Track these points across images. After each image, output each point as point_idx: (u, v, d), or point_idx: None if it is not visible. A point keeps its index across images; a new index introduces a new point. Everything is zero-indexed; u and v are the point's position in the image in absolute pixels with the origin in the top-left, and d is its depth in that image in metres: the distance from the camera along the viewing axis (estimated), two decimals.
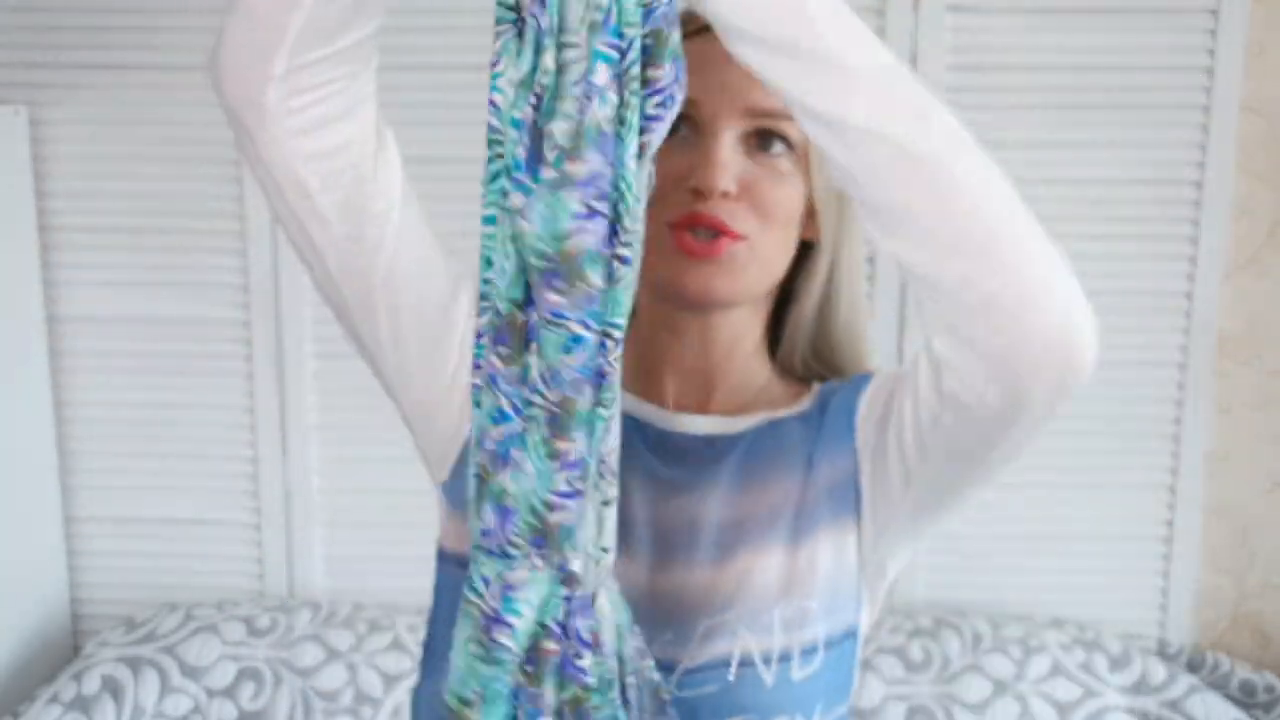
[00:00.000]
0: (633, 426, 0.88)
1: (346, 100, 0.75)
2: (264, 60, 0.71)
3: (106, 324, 2.09)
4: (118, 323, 2.09)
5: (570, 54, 0.58)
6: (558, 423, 0.63)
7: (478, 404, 0.66)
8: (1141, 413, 2.05)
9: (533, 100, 0.59)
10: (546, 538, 0.65)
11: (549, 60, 0.59)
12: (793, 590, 0.84)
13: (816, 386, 0.93)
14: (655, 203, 0.78)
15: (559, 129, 0.59)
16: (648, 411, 0.91)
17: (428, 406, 0.86)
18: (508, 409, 0.64)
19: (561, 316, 0.61)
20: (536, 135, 0.60)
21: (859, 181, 0.68)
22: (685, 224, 0.84)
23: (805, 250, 0.91)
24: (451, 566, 0.88)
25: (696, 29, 0.80)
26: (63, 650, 2.14)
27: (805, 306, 0.94)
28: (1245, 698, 1.96)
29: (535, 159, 0.60)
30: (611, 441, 0.65)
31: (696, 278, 0.85)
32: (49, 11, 2.03)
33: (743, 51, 0.66)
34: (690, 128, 0.85)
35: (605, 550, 0.67)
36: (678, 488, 0.88)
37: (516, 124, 0.60)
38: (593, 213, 0.59)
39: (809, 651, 0.83)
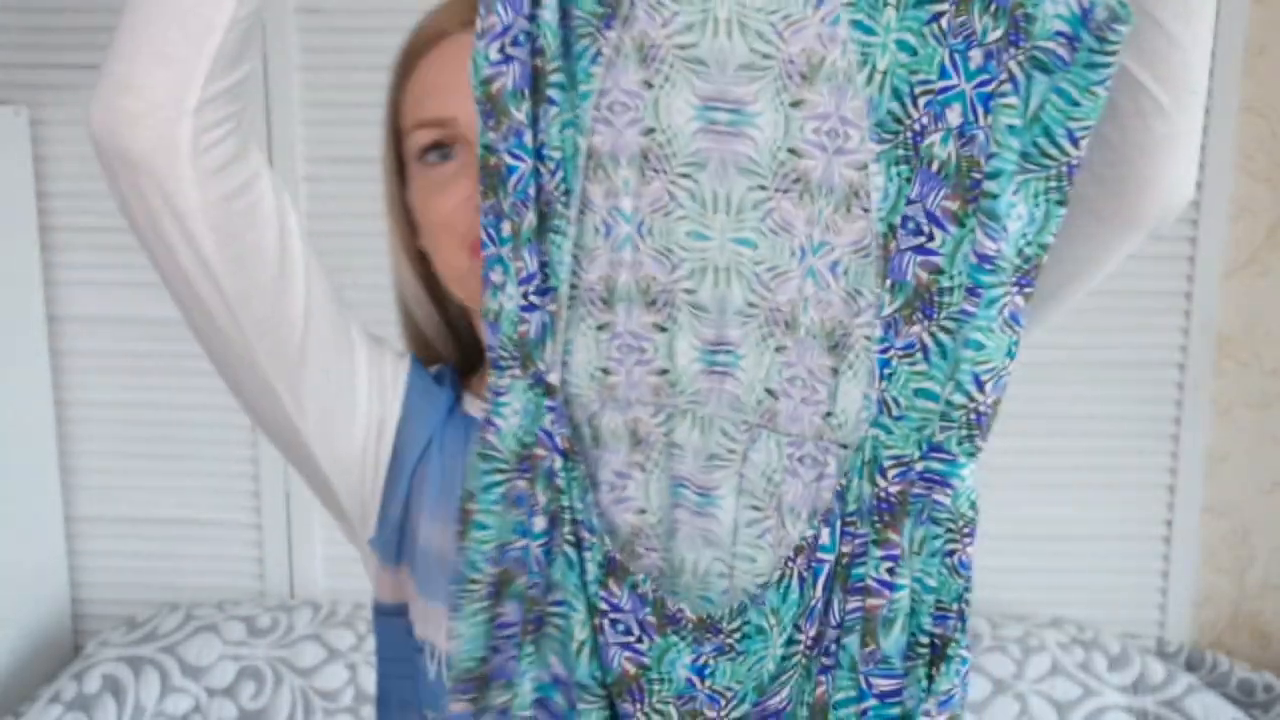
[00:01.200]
0: None
1: (241, 140, 0.74)
2: (178, 95, 0.71)
3: (106, 324, 2.10)
4: (118, 323, 2.09)
5: None
6: (514, 245, 0.71)
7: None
8: (1141, 412, 2.05)
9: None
10: (519, 348, 0.73)
11: None
12: None
13: None
14: (449, 230, 0.83)
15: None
16: None
17: (346, 462, 0.85)
18: (489, 237, 0.72)
19: (495, 149, 0.70)
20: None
21: None
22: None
23: None
24: (391, 618, 0.89)
25: (449, 26, 0.84)
26: (64, 650, 2.14)
27: None
28: (1244, 697, 1.96)
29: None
30: (565, 267, 0.72)
31: None
32: (50, 12, 2.04)
33: None
34: (462, 147, 0.84)
35: (605, 371, 0.74)
36: None
37: None
38: (507, 58, 0.68)
39: None
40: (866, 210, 0.66)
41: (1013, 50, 0.61)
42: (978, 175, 0.62)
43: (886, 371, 0.66)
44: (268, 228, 0.76)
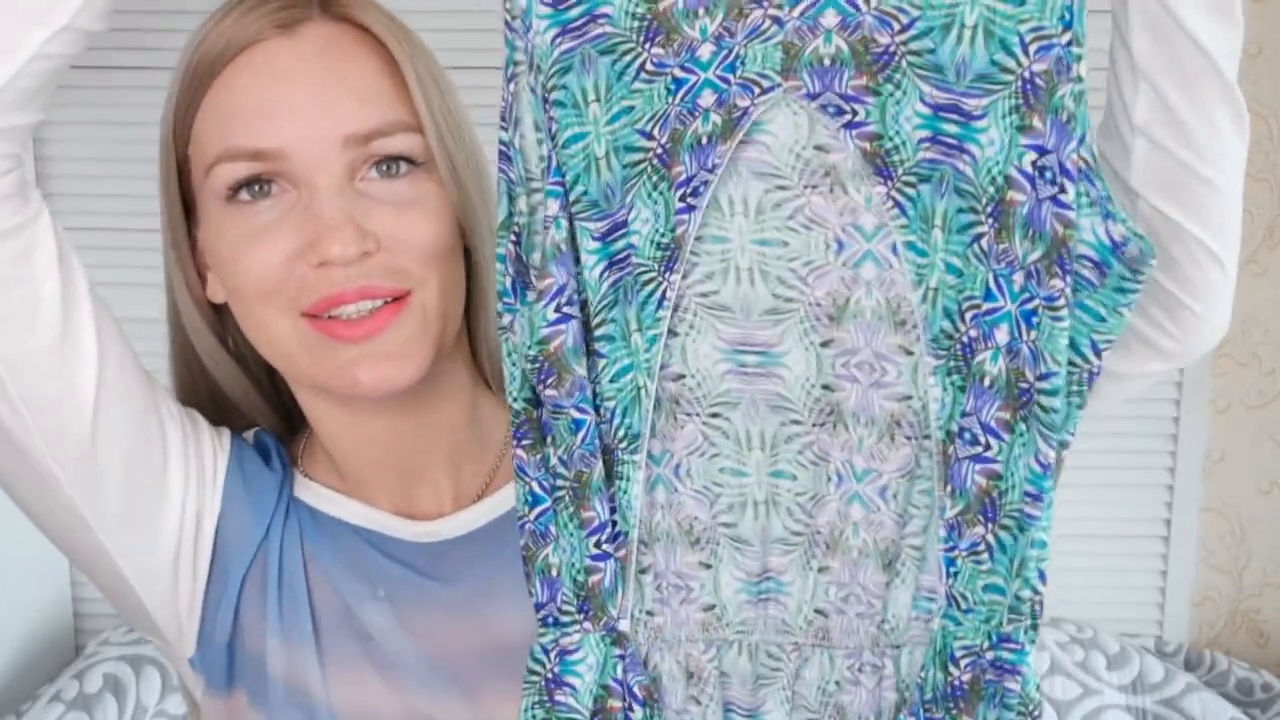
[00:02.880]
0: (372, 544, 0.76)
1: (19, 181, 0.63)
2: None
3: None
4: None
5: (535, 196, 0.67)
6: (579, 495, 0.69)
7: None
8: (1139, 413, 2.06)
9: (513, 238, 0.67)
10: (590, 601, 0.70)
11: (522, 204, 0.67)
12: None
13: None
14: (275, 295, 0.69)
15: (535, 257, 0.68)
16: (389, 524, 0.77)
17: (156, 569, 0.72)
18: (539, 491, 0.70)
19: (560, 406, 0.67)
20: (519, 265, 0.68)
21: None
22: (324, 308, 0.69)
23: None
24: None
25: (278, 22, 0.69)
26: (65, 649, 2.14)
27: (489, 314, 0.79)
28: (1242, 696, 1.96)
29: (518, 284, 0.68)
30: (634, 512, 0.70)
31: (369, 368, 0.70)
32: None
33: None
34: (286, 184, 0.70)
35: (650, 614, 0.72)
36: (458, 605, 0.76)
37: (501, 259, 0.68)
38: (564, 317, 0.67)
39: None
40: (910, 437, 0.69)
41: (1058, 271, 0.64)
42: (1025, 385, 0.65)
43: (952, 570, 0.69)
44: (46, 282, 0.64)
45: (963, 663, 0.69)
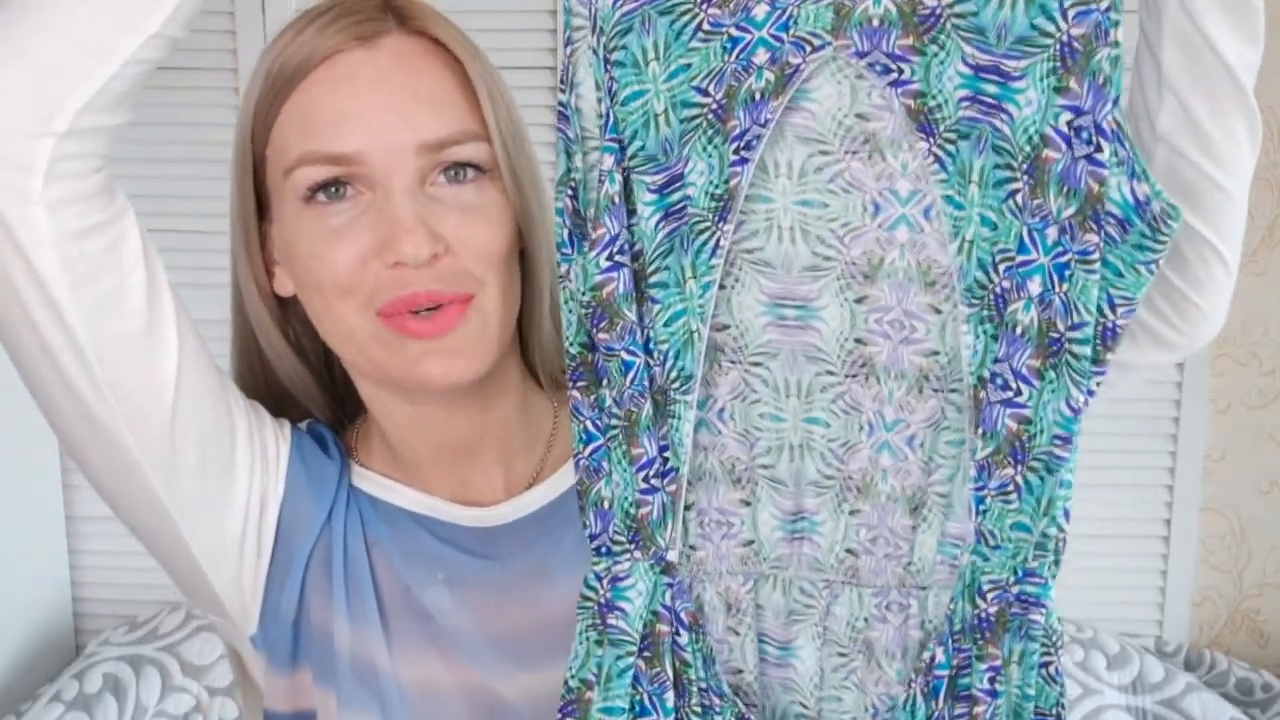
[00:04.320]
0: (430, 530, 0.80)
1: (106, 179, 0.67)
2: (48, 112, 0.62)
3: None
4: None
5: (592, 154, 0.72)
6: (629, 433, 0.73)
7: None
8: (1139, 412, 2.06)
9: (569, 192, 0.72)
10: (640, 532, 0.74)
11: (579, 161, 0.72)
12: None
13: None
14: (351, 293, 0.74)
15: (590, 211, 0.72)
16: (448, 511, 0.81)
17: (223, 549, 0.76)
18: (592, 429, 0.74)
19: (612, 349, 0.72)
20: (576, 218, 0.72)
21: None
22: (398, 309, 0.73)
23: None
24: None
25: (357, 35, 0.73)
26: (65, 649, 2.14)
27: (541, 315, 0.84)
28: (1242, 696, 1.96)
29: (575, 236, 0.73)
30: (684, 449, 0.74)
31: (437, 363, 0.74)
32: None
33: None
34: (362, 187, 0.74)
35: (693, 548, 0.77)
36: (512, 585, 0.80)
37: (560, 212, 0.73)
38: (616, 265, 0.71)
39: None
40: (937, 390, 0.73)
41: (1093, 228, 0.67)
42: (1055, 334, 0.68)
43: (981, 508, 0.72)
44: (132, 272, 0.67)
45: (989, 596, 0.72)
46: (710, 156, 0.71)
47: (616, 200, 0.71)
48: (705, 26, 0.69)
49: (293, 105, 0.75)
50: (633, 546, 0.74)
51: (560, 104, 0.72)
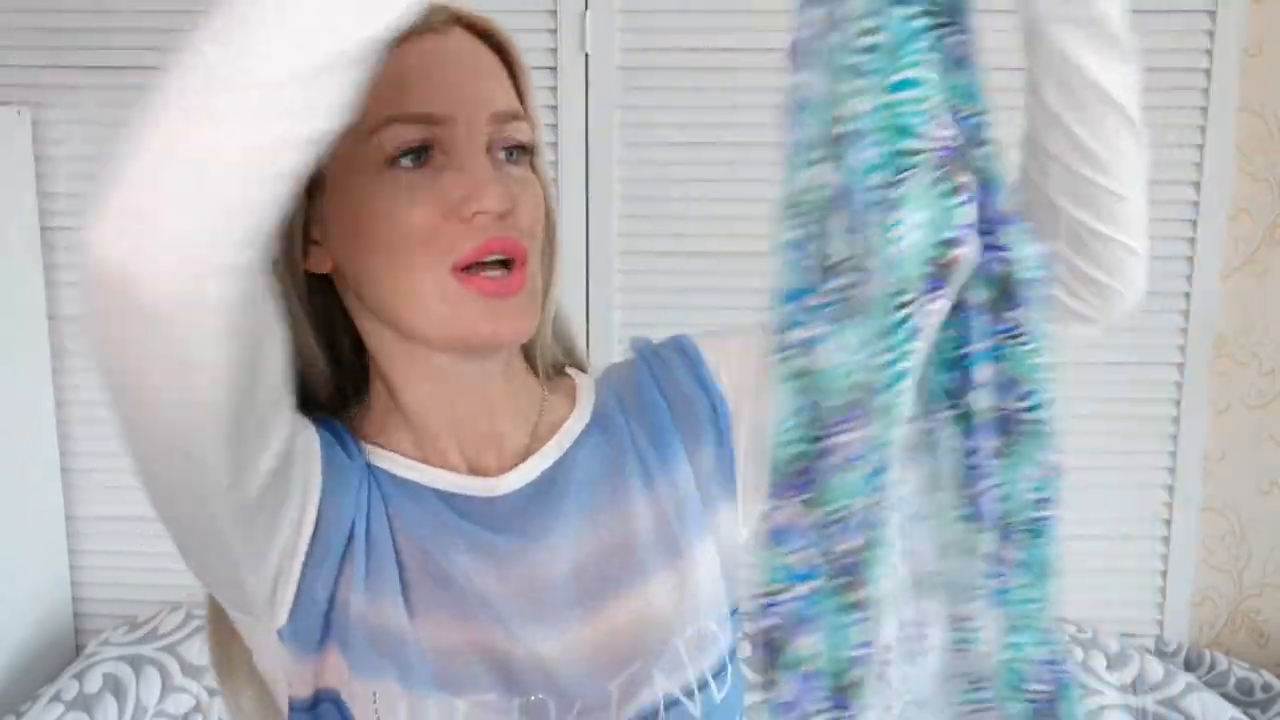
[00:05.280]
0: (448, 504, 0.82)
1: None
2: (233, 247, 0.57)
3: None
4: None
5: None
6: (857, 569, 0.59)
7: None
8: (1139, 412, 2.06)
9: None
10: (847, 694, 0.61)
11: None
12: (687, 615, 0.81)
13: (577, 380, 0.91)
14: (428, 249, 0.74)
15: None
16: (461, 483, 0.83)
17: (267, 546, 0.75)
18: (805, 565, 0.59)
19: (858, 456, 0.59)
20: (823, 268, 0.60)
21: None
22: (474, 258, 0.76)
23: None
24: (315, 708, 0.80)
25: (429, 25, 0.77)
26: (65, 649, 2.14)
27: (552, 300, 0.88)
28: (1242, 696, 1.96)
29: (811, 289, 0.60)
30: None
31: (503, 320, 0.77)
32: (52, 14, 2.04)
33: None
34: (440, 151, 0.77)
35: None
36: (516, 553, 0.81)
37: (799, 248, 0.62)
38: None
39: (720, 672, 0.82)
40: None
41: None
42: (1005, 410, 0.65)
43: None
44: (274, 334, 0.66)
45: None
46: None
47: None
48: None
49: (375, 75, 0.73)
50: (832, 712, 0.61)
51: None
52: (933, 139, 0.59)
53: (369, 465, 0.83)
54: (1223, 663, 2.01)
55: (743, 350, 0.87)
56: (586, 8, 1.99)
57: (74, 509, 2.16)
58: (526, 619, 0.81)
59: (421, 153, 0.77)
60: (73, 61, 2.04)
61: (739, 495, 0.86)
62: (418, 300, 0.78)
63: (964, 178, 0.60)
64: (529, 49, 1.99)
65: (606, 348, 2.03)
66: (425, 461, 0.85)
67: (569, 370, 0.93)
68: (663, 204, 2.05)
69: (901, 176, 0.58)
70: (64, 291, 2.09)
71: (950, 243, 0.59)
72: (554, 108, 2.01)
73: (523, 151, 0.82)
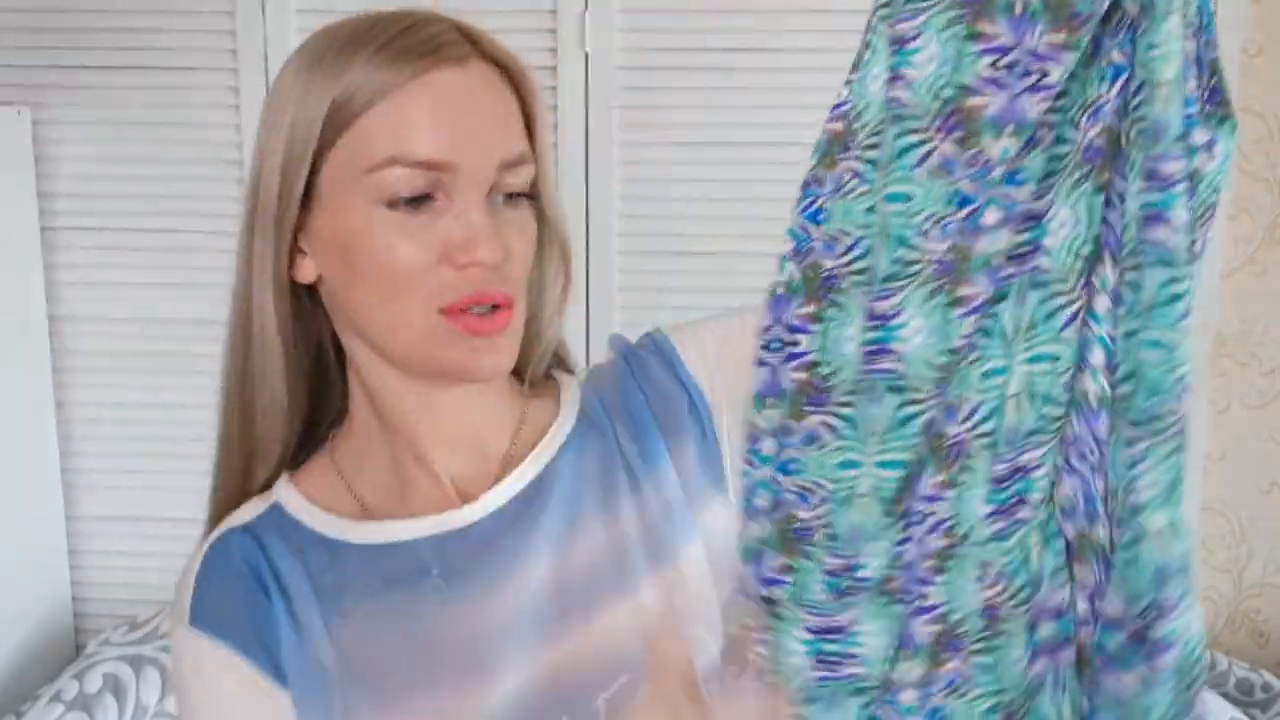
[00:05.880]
0: (443, 540, 0.82)
1: None
2: None
3: (107, 324, 2.10)
4: (118, 323, 2.10)
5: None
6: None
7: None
8: None
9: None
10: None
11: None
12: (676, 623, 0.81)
13: (562, 381, 0.90)
14: (415, 291, 0.76)
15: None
16: (432, 524, 0.83)
17: None
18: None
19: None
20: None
21: None
22: (463, 305, 0.77)
23: None
24: None
25: (448, 57, 0.76)
26: (65, 649, 2.14)
27: (552, 315, 0.89)
28: (1242, 696, 1.96)
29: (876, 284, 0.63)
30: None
31: (484, 357, 0.79)
32: (52, 13, 2.04)
33: None
34: (442, 195, 0.77)
35: None
36: (478, 597, 0.81)
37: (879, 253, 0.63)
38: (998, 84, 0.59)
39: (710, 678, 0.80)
40: None
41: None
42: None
43: None
44: None
45: None
46: (1078, 206, 0.60)
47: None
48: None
49: (386, 106, 0.76)
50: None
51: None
52: (926, 250, 0.60)
53: (302, 552, 0.83)
54: (1222, 663, 2.00)
55: (722, 340, 0.85)
56: (586, 7, 1.99)
57: (74, 509, 2.16)
58: (473, 669, 0.79)
59: (426, 200, 0.77)
60: (73, 61, 2.04)
61: (731, 492, 0.84)
62: (400, 333, 0.79)
63: (965, 290, 0.60)
64: (529, 49, 2.00)
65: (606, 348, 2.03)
66: (394, 509, 0.84)
67: (554, 373, 0.92)
68: (663, 204, 2.05)
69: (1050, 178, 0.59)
70: (64, 291, 2.09)
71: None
72: (554, 108, 2.01)
73: (523, 196, 0.81)
